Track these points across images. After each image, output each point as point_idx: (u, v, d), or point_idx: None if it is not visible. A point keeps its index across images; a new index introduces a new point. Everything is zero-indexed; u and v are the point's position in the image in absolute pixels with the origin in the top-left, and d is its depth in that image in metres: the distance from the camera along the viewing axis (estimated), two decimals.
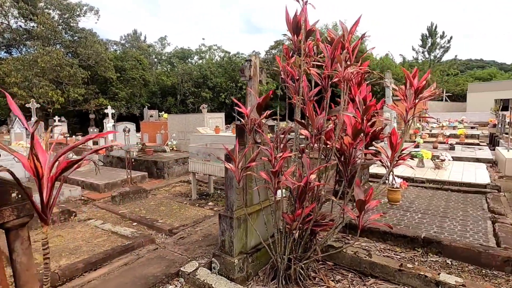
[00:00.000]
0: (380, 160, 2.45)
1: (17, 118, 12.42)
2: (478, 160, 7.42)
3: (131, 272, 2.65)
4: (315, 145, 2.66)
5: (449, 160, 6.66)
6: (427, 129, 14.96)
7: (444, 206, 4.27)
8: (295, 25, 2.47)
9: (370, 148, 2.69)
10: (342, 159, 2.49)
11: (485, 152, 8.42)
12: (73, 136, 17.20)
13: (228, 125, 16.81)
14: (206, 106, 13.82)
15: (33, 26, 22.83)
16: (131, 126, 8.11)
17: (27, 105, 12.23)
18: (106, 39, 30.93)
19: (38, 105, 13.86)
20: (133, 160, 7.57)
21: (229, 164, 2.33)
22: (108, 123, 14.05)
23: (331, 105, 3.00)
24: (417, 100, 2.39)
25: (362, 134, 2.24)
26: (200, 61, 36.27)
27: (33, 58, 20.41)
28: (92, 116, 16.59)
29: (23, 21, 23.09)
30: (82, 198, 5.51)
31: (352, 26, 2.55)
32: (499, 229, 3.18)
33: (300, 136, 2.63)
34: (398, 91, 2.49)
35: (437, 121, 20.87)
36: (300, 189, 2.31)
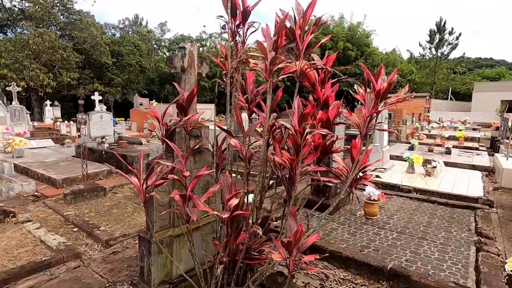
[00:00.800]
0: (330, 181, 1.94)
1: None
2: (474, 167, 6.86)
3: None
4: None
5: (441, 166, 6.12)
6: (426, 129, 14.30)
7: (426, 223, 3.77)
8: (230, 3, 1.93)
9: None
10: (285, 177, 1.98)
11: (483, 159, 7.85)
12: (65, 122, 16.75)
13: (222, 116, 16.23)
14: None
15: (27, 6, 22.12)
16: (106, 115, 7.62)
17: (7, 88, 11.71)
18: (104, 23, 30.13)
19: (20, 89, 13.33)
20: (103, 152, 7.12)
21: (135, 179, 1.83)
22: (96, 109, 13.59)
23: (286, 107, 2.49)
24: (380, 107, 1.87)
25: (303, 148, 1.72)
26: (201, 49, 35.35)
27: (25, 40, 19.81)
28: (81, 101, 16.10)
29: (17, 0, 22.42)
30: (36, 193, 5.07)
31: (307, 9, 1.99)
32: (481, 261, 2.68)
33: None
34: (359, 95, 1.96)
35: (439, 120, 20.13)
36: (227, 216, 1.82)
